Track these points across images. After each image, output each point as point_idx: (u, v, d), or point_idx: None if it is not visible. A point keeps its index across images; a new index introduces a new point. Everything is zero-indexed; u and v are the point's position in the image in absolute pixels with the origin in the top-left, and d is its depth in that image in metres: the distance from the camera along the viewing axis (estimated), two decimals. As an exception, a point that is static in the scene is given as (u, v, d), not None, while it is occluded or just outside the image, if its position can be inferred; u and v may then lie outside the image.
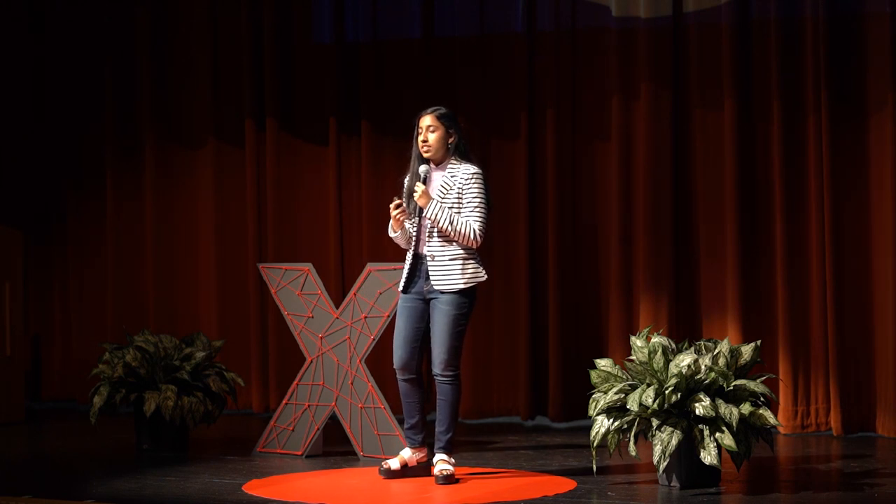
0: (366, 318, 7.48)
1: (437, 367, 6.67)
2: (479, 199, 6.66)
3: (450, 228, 6.59)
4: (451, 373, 6.66)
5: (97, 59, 9.91)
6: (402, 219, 6.72)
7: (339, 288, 9.09)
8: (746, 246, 8.47)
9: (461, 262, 6.64)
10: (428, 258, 6.67)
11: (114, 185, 9.85)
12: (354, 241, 9.34)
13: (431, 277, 6.66)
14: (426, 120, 6.75)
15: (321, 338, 7.61)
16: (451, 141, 6.76)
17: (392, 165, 9.16)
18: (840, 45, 8.29)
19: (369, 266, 7.49)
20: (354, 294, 7.52)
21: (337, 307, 7.59)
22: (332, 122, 9.35)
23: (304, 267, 7.68)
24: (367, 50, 9.35)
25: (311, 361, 7.62)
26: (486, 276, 6.72)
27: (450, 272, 6.64)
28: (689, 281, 8.68)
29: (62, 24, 10.00)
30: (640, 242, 8.68)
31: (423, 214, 6.64)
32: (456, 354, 6.66)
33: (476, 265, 6.68)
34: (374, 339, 7.47)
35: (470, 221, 6.62)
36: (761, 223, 8.50)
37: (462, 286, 6.63)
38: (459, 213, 6.63)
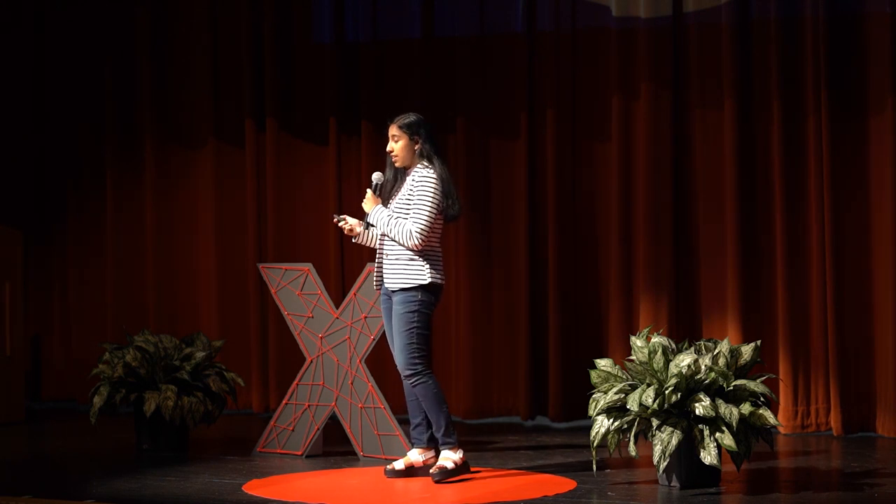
0: (366, 318, 7.48)
1: (399, 369, 6.75)
2: (422, 202, 6.70)
3: (389, 232, 6.70)
4: (411, 371, 6.69)
5: (97, 59, 9.91)
6: (349, 234, 6.95)
7: (339, 288, 9.09)
8: (746, 246, 8.47)
9: (405, 261, 6.71)
10: (382, 259, 6.81)
11: (114, 185, 9.85)
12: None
13: (384, 277, 6.79)
14: (391, 128, 6.86)
15: (321, 338, 7.61)
16: (416, 148, 6.80)
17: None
18: (840, 45, 8.29)
19: (369, 266, 7.48)
20: (354, 294, 7.52)
21: (337, 307, 7.59)
22: (332, 122, 9.36)
23: (304, 267, 7.68)
24: (367, 50, 9.35)
25: (311, 361, 7.62)
26: (430, 280, 6.69)
27: (394, 271, 6.74)
28: (689, 281, 8.68)
29: (62, 24, 10.00)
30: (640, 242, 8.68)
31: (367, 219, 6.81)
32: (412, 352, 6.68)
33: (422, 265, 6.70)
34: (374, 339, 7.47)
35: (407, 224, 6.68)
36: (761, 223, 8.50)
37: (403, 285, 6.70)
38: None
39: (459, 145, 9.06)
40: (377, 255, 6.87)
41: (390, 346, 6.91)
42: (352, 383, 7.51)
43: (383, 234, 6.79)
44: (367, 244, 6.98)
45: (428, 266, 6.70)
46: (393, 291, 6.74)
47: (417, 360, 6.69)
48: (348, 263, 9.29)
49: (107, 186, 9.85)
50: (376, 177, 6.89)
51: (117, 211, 9.85)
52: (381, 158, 9.22)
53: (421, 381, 6.70)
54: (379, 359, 8.46)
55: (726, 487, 6.44)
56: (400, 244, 6.71)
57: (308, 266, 7.68)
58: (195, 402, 7.67)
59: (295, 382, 7.67)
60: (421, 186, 6.72)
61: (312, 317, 7.63)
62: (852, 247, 8.28)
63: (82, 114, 9.99)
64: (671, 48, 8.69)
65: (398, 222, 6.69)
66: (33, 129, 10.09)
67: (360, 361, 7.49)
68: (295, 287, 7.68)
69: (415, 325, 6.68)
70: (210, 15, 9.68)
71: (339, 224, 6.95)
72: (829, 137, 8.24)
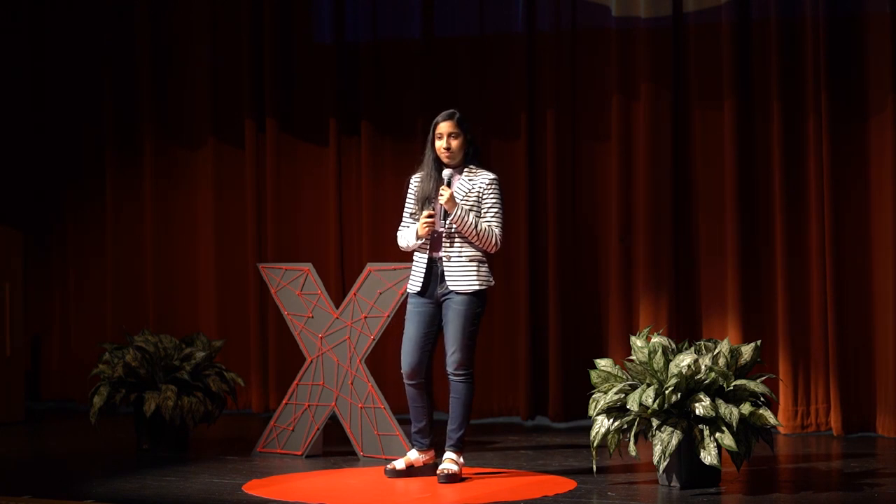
0: (366, 318, 7.48)
1: (451, 366, 6.70)
2: (498, 206, 6.72)
3: (475, 233, 6.63)
4: (464, 371, 6.69)
5: (97, 59, 9.90)
6: (429, 223, 6.65)
7: (339, 288, 9.09)
8: (746, 246, 8.47)
9: (477, 263, 6.69)
10: (444, 260, 6.68)
11: (113, 185, 9.85)
12: (354, 241, 9.34)
13: (448, 278, 6.67)
14: (447, 126, 6.69)
15: (321, 338, 7.61)
16: (465, 147, 6.74)
17: (392, 165, 9.17)
18: (840, 45, 8.29)
19: (369, 266, 7.49)
20: (354, 294, 7.52)
21: (337, 307, 7.59)
22: (332, 122, 9.35)
23: (304, 267, 7.68)
24: (367, 50, 9.34)
25: (311, 361, 7.62)
26: (493, 283, 6.78)
27: (467, 273, 6.67)
28: (689, 281, 8.68)
29: (62, 24, 10.00)
30: (640, 242, 8.68)
31: (450, 218, 6.63)
32: (470, 354, 6.69)
33: (488, 269, 6.74)
34: (374, 339, 7.47)
35: (492, 226, 6.67)
36: (761, 223, 8.50)
37: (477, 287, 6.67)
38: (479, 217, 6.67)
39: (459, 145, 9.06)
40: (429, 258, 6.68)
41: (411, 350, 6.75)
42: (352, 383, 7.51)
43: (459, 234, 6.64)
44: (416, 245, 6.75)
45: (490, 272, 6.75)
46: (458, 293, 6.67)
47: (472, 361, 6.71)
48: (348, 263, 9.30)
49: (107, 186, 9.85)
50: (447, 173, 6.70)
51: (117, 211, 9.85)
52: (381, 158, 9.28)
53: (469, 380, 6.71)
54: (379, 359, 8.46)
55: (726, 487, 6.44)
56: (476, 247, 6.67)
57: (308, 266, 7.68)
58: (195, 402, 7.67)
59: (295, 382, 7.67)
60: (493, 190, 6.70)
61: (312, 317, 7.63)
62: (852, 247, 8.28)
63: (82, 114, 9.99)
64: (671, 48, 8.69)
65: (482, 224, 6.65)
66: (33, 129, 10.09)
67: (360, 361, 7.49)
68: (295, 287, 7.67)
69: (476, 327, 6.71)
70: (210, 15, 9.68)
71: (428, 220, 6.62)
72: (829, 137, 8.24)
